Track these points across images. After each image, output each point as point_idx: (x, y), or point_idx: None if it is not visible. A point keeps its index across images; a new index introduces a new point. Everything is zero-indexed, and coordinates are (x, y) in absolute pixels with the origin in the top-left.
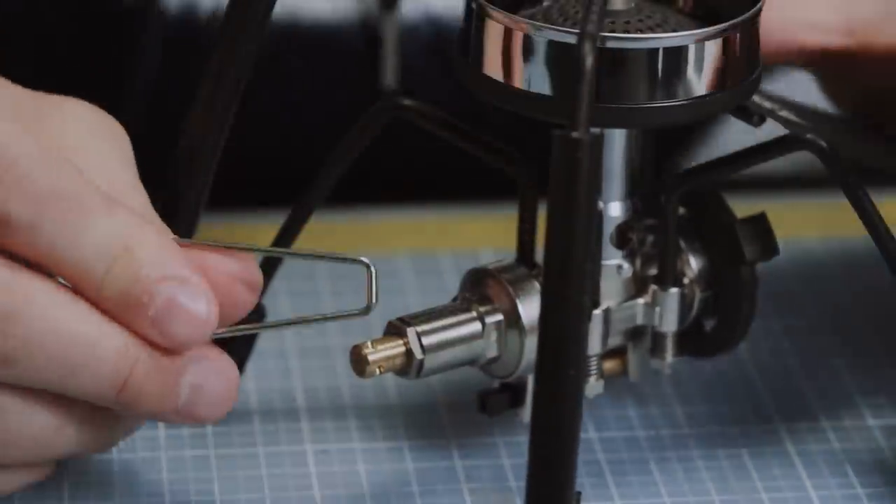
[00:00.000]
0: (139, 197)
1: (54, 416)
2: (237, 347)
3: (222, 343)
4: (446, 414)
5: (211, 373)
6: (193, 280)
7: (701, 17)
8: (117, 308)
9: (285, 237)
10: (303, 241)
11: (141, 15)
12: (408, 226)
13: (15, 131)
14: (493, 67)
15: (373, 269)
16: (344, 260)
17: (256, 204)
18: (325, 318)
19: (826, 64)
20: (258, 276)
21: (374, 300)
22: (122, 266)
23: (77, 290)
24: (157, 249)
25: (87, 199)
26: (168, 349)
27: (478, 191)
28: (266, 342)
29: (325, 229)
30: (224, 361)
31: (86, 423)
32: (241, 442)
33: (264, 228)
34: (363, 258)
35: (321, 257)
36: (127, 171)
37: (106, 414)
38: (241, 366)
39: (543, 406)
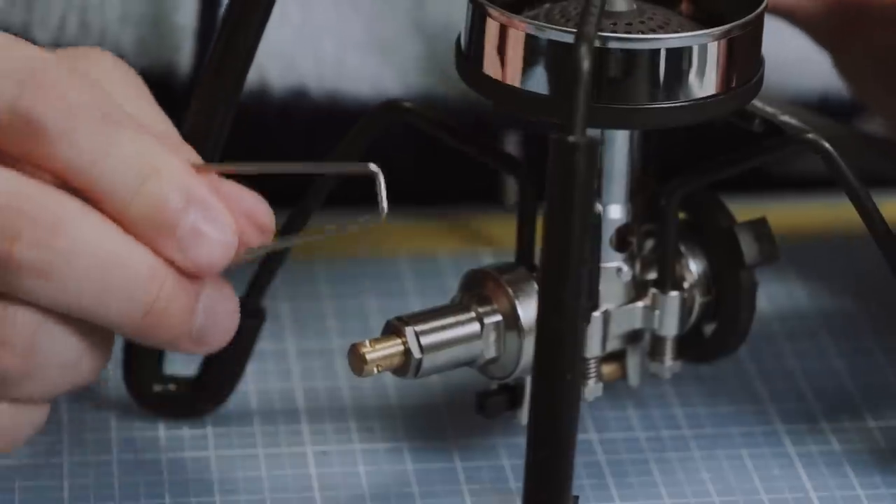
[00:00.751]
0: (167, 123)
1: (79, 344)
2: (236, 348)
3: (219, 363)
4: (446, 415)
5: (221, 297)
6: (218, 206)
7: (702, 20)
8: (145, 228)
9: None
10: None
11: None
12: (408, 227)
13: (43, 52)
14: (491, 66)
15: (380, 175)
16: (351, 169)
17: None
18: (341, 228)
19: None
20: (270, 220)
21: (383, 206)
22: (151, 186)
23: (104, 209)
24: (184, 172)
25: (118, 116)
26: (189, 272)
27: (478, 193)
28: (266, 343)
29: None
30: (228, 287)
31: (99, 355)
32: (241, 443)
33: None
34: (370, 165)
35: (327, 170)
36: (153, 105)
37: (110, 340)
38: (240, 367)
39: (540, 410)
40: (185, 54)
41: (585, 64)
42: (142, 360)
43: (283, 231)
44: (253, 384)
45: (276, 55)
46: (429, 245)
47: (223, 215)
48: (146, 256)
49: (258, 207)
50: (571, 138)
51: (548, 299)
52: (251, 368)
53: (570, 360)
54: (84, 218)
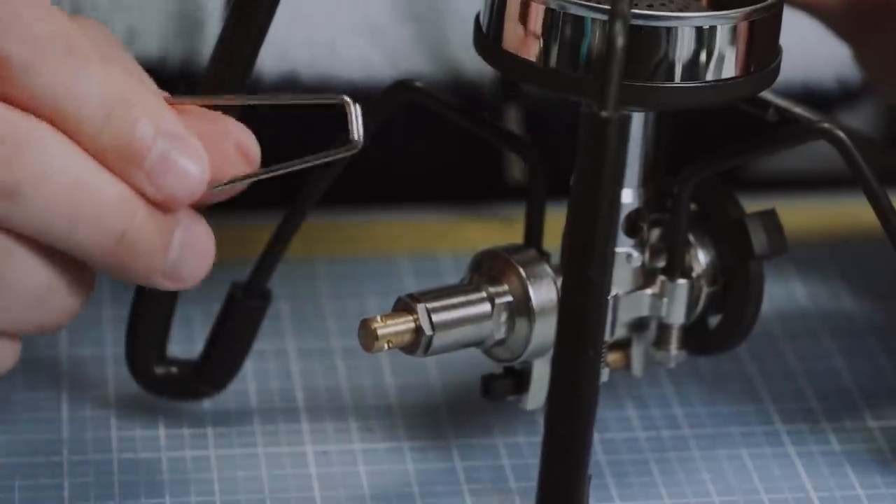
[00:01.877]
0: (143, 73)
1: (49, 274)
2: (234, 346)
3: (223, 345)
4: (446, 415)
5: (197, 233)
6: (187, 137)
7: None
8: (114, 158)
9: (285, 232)
10: (303, 242)
11: None
12: (408, 227)
13: None
14: (511, 42)
15: (353, 105)
16: (323, 100)
17: (257, 203)
18: (316, 159)
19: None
20: (256, 150)
21: (358, 136)
22: (119, 116)
23: (74, 139)
24: (153, 103)
25: (84, 48)
26: (160, 204)
27: (477, 192)
28: (266, 343)
29: (325, 230)
30: (204, 224)
31: (71, 289)
32: (242, 443)
33: (264, 228)
34: (344, 96)
35: (300, 102)
36: (130, 58)
37: (85, 282)
38: (244, 351)
39: (561, 387)
40: (179, 44)
41: (620, 40)
42: (144, 340)
43: (279, 233)
44: (253, 384)
45: (267, 40)
46: (429, 245)
47: (194, 146)
48: (116, 185)
49: (245, 137)
50: (604, 113)
51: (573, 276)
52: (251, 368)
53: (593, 337)
54: (53, 140)
